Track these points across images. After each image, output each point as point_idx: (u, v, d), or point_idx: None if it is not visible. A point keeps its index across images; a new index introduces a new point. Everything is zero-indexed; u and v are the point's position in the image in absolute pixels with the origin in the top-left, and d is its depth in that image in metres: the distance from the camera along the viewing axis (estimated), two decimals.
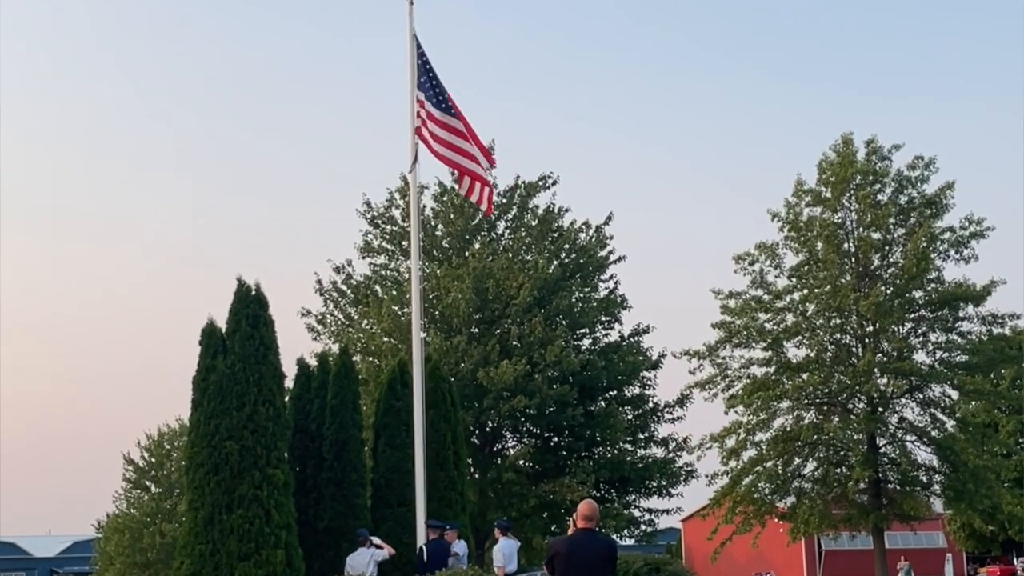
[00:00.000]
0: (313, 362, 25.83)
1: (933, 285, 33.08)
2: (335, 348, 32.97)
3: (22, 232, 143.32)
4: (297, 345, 56.04)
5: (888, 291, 32.79)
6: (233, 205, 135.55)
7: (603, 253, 36.51)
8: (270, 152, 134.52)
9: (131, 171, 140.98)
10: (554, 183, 36.70)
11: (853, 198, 33.42)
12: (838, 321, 33.64)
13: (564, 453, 34.88)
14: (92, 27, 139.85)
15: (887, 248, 33.43)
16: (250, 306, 21.43)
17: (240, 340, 21.08)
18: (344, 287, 37.07)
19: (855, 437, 33.37)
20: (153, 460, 56.31)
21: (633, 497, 35.61)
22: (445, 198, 36.44)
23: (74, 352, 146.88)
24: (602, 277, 36.68)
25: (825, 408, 33.90)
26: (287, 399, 22.81)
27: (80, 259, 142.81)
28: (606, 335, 36.40)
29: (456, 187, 36.16)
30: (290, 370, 23.61)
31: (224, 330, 21.35)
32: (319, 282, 36.98)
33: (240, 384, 20.80)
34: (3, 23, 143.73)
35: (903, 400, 33.59)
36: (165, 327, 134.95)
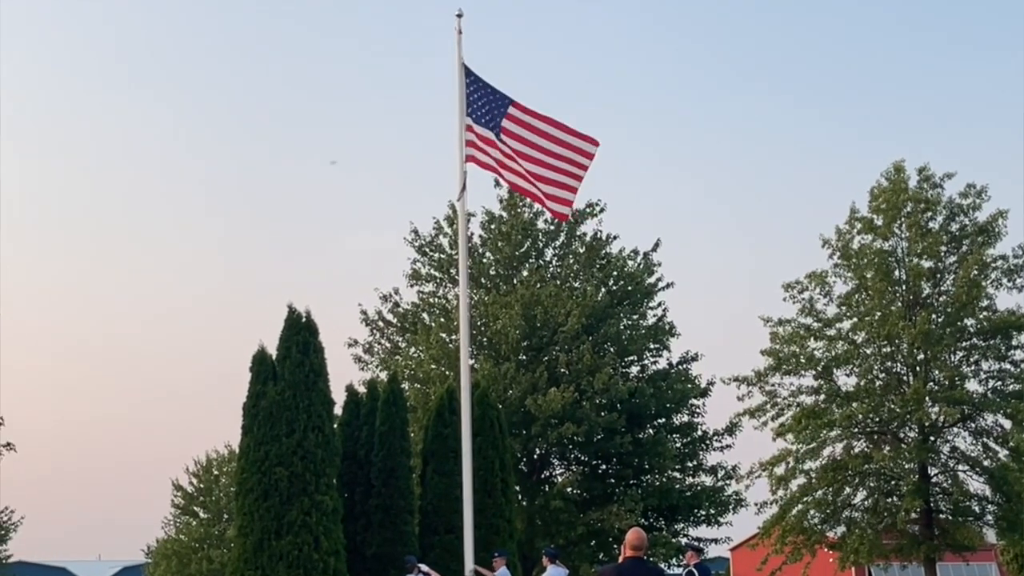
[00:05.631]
0: (362, 389, 25.95)
1: (985, 313, 32.76)
2: (383, 376, 33.08)
3: (73, 256, 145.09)
4: (346, 373, 56.27)
5: (939, 319, 32.52)
6: (281, 234, 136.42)
7: (651, 280, 36.42)
8: (316, 181, 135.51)
9: (180, 199, 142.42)
10: (602, 210, 36.73)
11: (904, 226, 33.22)
12: (888, 349, 33.37)
13: (612, 481, 34.75)
14: (136, 54, 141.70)
15: (938, 276, 33.16)
16: (300, 333, 21.62)
17: (290, 367, 21.26)
18: (391, 316, 37.23)
19: (906, 466, 33.05)
20: (201, 486, 56.57)
21: (682, 526, 35.38)
22: (493, 226, 36.53)
23: (124, 378, 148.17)
24: (650, 304, 36.58)
25: (876, 437, 33.61)
26: (336, 426, 22.94)
27: (130, 284, 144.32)
28: (654, 362, 36.31)
29: (504, 215, 36.42)
30: (339, 397, 23.77)
31: (275, 356, 21.55)
32: (364, 312, 37.21)
33: (290, 410, 20.97)
34: (44, 56, 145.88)
35: (955, 429, 33.23)
36: (215, 353, 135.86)
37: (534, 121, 16.73)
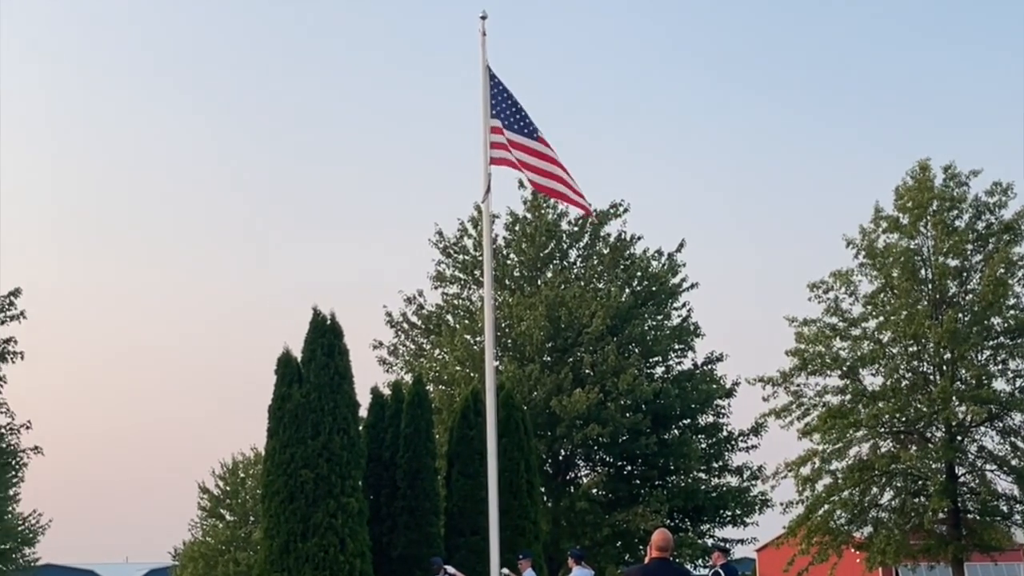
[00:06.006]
0: (387, 391, 25.98)
1: (1012, 312, 32.55)
2: (408, 378, 33.12)
3: (100, 261, 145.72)
4: (370, 375, 56.45)
5: (966, 318, 32.32)
6: (305, 236, 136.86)
7: (675, 280, 36.36)
8: (341, 184, 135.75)
9: (203, 203, 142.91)
10: (625, 211, 36.67)
11: (930, 224, 33.04)
12: (914, 349, 33.18)
13: (637, 482, 34.70)
14: (172, 64, 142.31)
15: (964, 275, 32.96)
16: (325, 335, 21.67)
17: (315, 369, 21.31)
18: (415, 318, 37.26)
19: (933, 466, 32.84)
20: (228, 488, 56.72)
21: (707, 526, 35.30)
22: (517, 227, 36.52)
23: (150, 381, 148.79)
24: (675, 305, 36.52)
25: (902, 437, 33.43)
26: (361, 428, 22.97)
27: (154, 288, 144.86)
28: (679, 363, 36.25)
29: (528, 216, 36.39)
30: (364, 399, 23.80)
31: (300, 359, 21.61)
32: (389, 315, 37.25)
33: (315, 413, 21.02)
34: (83, 65, 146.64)
35: (982, 428, 33.02)
36: (241, 355, 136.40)
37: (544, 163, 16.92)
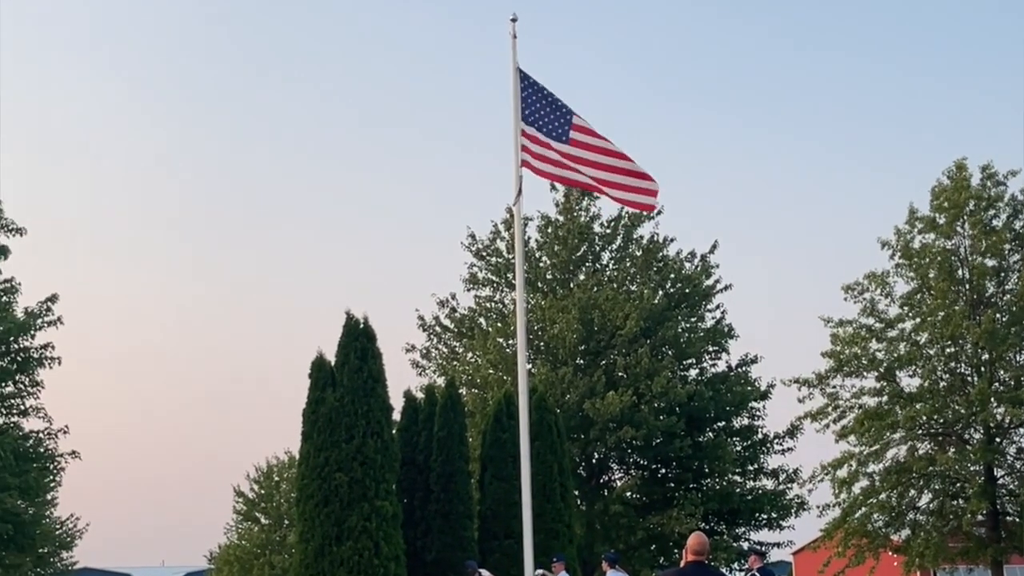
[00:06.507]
0: (420, 395, 25.98)
1: None
2: (441, 381, 33.12)
3: (135, 263, 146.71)
4: (403, 378, 56.59)
5: (1004, 318, 32.02)
6: (338, 241, 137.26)
7: (709, 282, 36.20)
8: (371, 189, 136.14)
9: (240, 206, 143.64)
10: (659, 213, 36.52)
11: (966, 224, 32.74)
12: (952, 350, 32.89)
13: (672, 485, 34.57)
14: (197, 71, 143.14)
15: (1002, 275, 32.66)
16: (358, 339, 21.70)
17: (349, 373, 21.34)
18: (448, 321, 37.24)
19: (971, 468, 32.54)
20: (263, 492, 56.92)
21: (743, 529, 35.14)
22: (549, 229, 36.44)
23: (187, 385, 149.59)
24: (708, 307, 36.37)
25: (940, 438, 33.14)
26: (395, 431, 22.97)
27: (192, 291, 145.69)
28: (713, 365, 36.09)
29: (560, 218, 36.33)
30: (397, 402, 23.81)
31: (333, 363, 21.64)
32: (421, 318, 37.25)
33: (349, 416, 21.05)
34: (85, 63, 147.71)
35: (1021, 430, 32.71)
36: (275, 360, 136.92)
37: (596, 141, 16.57)
